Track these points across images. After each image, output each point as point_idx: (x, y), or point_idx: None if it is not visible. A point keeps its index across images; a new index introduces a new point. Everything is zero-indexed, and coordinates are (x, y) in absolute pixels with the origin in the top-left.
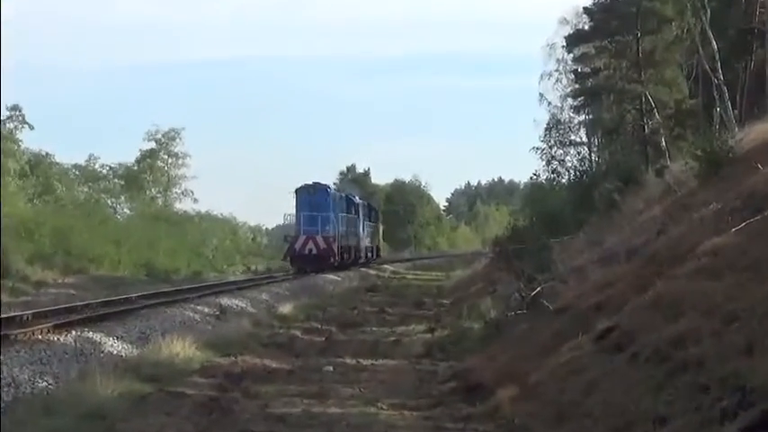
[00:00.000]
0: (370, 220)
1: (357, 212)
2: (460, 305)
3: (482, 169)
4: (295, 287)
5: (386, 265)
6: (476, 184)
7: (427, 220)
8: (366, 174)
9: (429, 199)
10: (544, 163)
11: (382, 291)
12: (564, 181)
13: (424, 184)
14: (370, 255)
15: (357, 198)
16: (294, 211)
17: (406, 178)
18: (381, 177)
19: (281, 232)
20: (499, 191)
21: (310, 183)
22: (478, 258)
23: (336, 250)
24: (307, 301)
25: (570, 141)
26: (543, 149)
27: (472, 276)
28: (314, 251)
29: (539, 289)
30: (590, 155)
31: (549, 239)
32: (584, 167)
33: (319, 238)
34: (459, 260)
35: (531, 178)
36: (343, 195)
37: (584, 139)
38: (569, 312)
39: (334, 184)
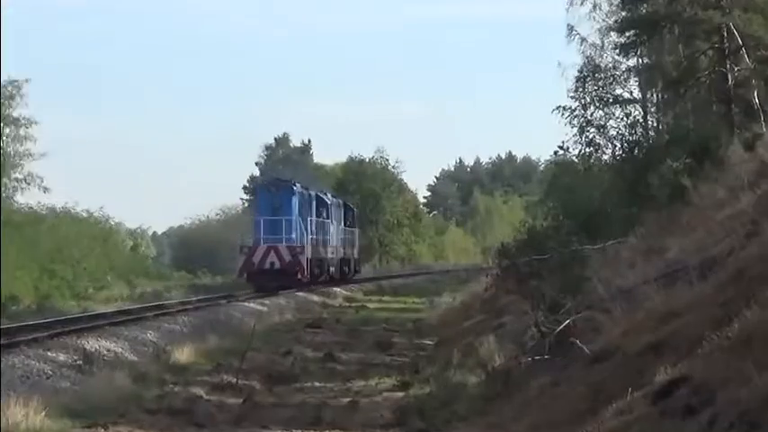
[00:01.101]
0: (346, 225)
1: (329, 215)
2: (450, 347)
3: (482, 142)
4: (198, 322)
5: (336, 288)
6: (472, 163)
7: (398, 218)
8: (305, 149)
9: (401, 186)
10: (575, 131)
11: (331, 326)
12: (606, 158)
13: (393, 163)
14: (346, 269)
15: (329, 196)
16: (253, 215)
17: (367, 155)
18: (329, 154)
19: (178, 237)
20: (508, 174)
21: (271, 179)
22: (477, 276)
23: (305, 264)
24: (216, 342)
25: (615, 98)
26: (574, 110)
27: (468, 304)
28: (277, 265)
29: (568, 322)
30: (645, 118)
31: (584, 247)
32: (637, 137)
33: (283, 249)
34: (447, 279)
35: (555, 154)
36: (313, 194)
37: (637, 94)
38: (614, 357)
39: (257, 164)
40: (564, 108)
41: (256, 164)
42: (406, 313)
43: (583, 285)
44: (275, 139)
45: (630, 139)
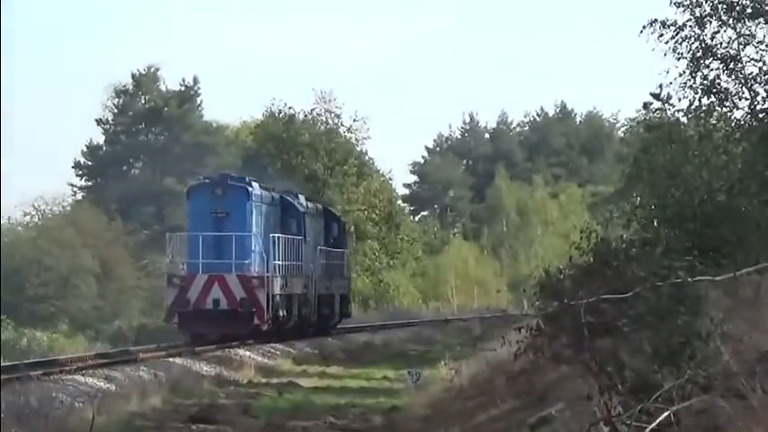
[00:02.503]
0: (328, 243)
1: (303, 228)
2: None
3: (512, 86)
4: None
5: (243, 351)
6: (494, 123)
7: (358, 222)
8: (188, 94)
9: (363, 165)
10: (684, 65)
11: (233, 421)
12: (739, 115)
13: (349, 123)
14: (328, 311)
15: (302, 200)
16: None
17: (300, 106)
18: (231, 105)
19: None
20: (558, 144)
21: (214, 176)
22: (501, 330)
23: (266, 303)
24: None
25: (756, 6)
26: (681, 28)
27: (484, 381)
28: (223, 304)
29: (666, 415)
30: None
31: (698, 278)
32: None
33: (233, 281)
34: (447, 335)
35: (645, 108)
36: (276, 197)
37: None
38: None
39: (101, 123)
40: (663, 24)
41: (99, 122)
42: (370, 398)
43: (694, 348)
44: (133, 77)
45: None
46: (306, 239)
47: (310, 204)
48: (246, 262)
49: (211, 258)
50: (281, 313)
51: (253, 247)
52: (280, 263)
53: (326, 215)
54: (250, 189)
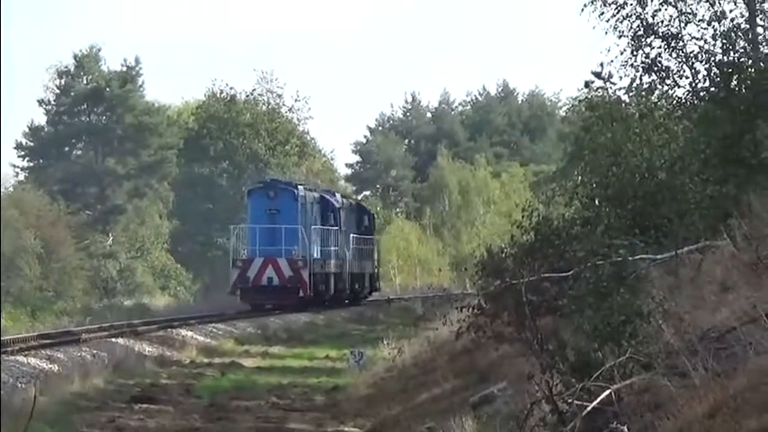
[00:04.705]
0: (359, 232)
1: (338, 221)
2: None
3: (455, 64)
4: None
5: (184, 331)
6: (435, 103)
7: None
8: (129, 75)
9: (305, 145)
10: (625, 44)
11: (175, 400)
12: (680, 93)
13: (292, 105)
14: (358, 286)
15: (338, 197)
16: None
17: (242, 87)
18: (173, 86)
19: None
20: (501, 123)
21: (267, 179)
22: (444, 310)
23: (308, 280)
24: None
25: None
26: (622, 6)
27: (427, 360)
28: (275, 281)
29: (608, 393)
30: (752, 21)
31: (638, 256)
32: (736, 56)
33: (283, 263)
34: (389, 315)
35: (587, 87)
36: (317, 196)
37: None
38: None
39: (43, 104)
40: (604, 2)
41: (41, 103)
42: (312, 377)
43: (635, 326)
44: (75, 58)
45: (725, 59)
46: (341, 229)
47: (345, 201)
48: (293, 248)
49: (266, 245)
50: (320, 287)
51: (298, 237)
52: (319, 248)
53: (359, 209)
54: (296, 191)
